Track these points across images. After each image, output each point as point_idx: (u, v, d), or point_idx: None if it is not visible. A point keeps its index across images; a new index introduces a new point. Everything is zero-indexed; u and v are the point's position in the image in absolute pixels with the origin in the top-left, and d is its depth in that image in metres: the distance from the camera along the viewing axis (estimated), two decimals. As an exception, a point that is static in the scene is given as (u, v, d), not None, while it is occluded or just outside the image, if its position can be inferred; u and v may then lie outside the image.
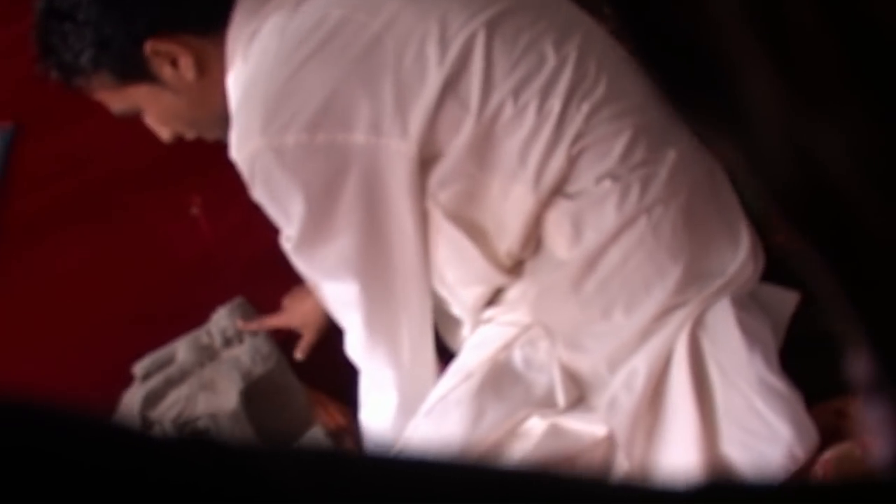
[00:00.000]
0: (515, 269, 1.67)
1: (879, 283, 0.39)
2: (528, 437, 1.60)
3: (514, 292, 1.67)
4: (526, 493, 0.42)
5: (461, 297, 1.68)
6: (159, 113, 1.68)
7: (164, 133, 1.71)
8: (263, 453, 0.40)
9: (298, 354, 1.99)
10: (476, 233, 1.62)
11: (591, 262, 1.59)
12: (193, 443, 0.40)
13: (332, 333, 1.84)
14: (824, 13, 0.35)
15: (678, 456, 1.56)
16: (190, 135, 1.72)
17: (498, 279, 1.66)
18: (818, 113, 0.36)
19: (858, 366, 0.41)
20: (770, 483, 0.62)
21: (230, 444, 0.41)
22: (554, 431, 1.60)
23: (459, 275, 1.65)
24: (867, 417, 0.43)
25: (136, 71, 1.62)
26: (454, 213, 1.60)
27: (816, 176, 0.37)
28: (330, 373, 1.89)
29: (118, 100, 1.67)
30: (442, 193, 1.58)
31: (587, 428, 1.61)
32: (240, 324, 2.01)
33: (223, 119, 1.61)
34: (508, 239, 1.62)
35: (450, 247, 1.62)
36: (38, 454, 0.36)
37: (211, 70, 1.62)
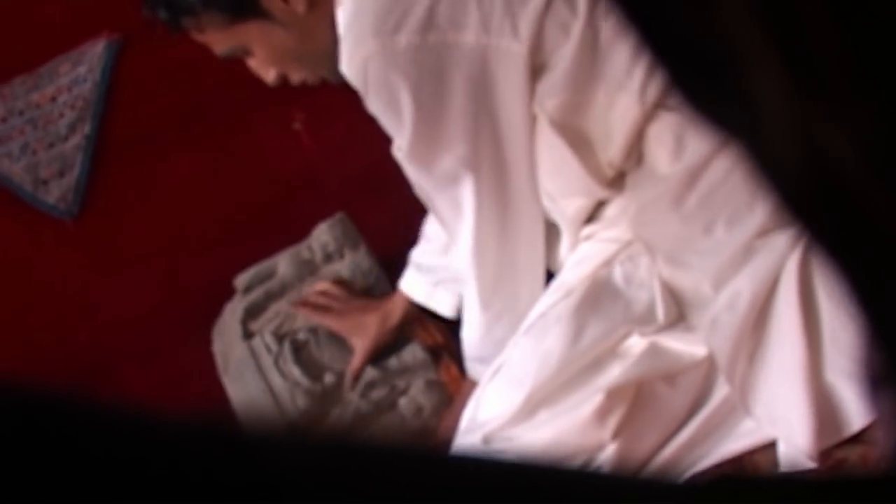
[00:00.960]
0: (616, 181, 1.65)
1: (888, 277, 0.39)
2: (628, 356, 1.58)
3: (614, 208, 1.66)
4: (533, 489, 0.42)
5: (562, 207, 1.66)
6: (267, 51, 1.66)
7: (270, 74, 1.69)
8: (273, 444, 0.40)
9: (350, 377, 1.90)
10: (580, 142, 1.61)
11: (693, 177, 1.57)
12: (206, 433, 0.39)
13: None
14: (833, 9, 0.35)
15: (780, 381, 1.52)
16: (296, 76, 1.70)
17: (598, 191, 1.64)
18: (827, 108, 0.36)
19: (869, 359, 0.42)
20: (772, 479, 0.63)
21: (242, 435, 0.41)
22: (653, 350, 1.58)
23: (559, 185, 1.64)
24: (876, 411, 0.43)
25: (246, 6, 1.61)
26: (560, 121, 1.58)
27: (825, 170, 0.37)
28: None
29: (225, 40, 1.65)
30: (548, 102, 1.57)
31: (687, 348, 1.59)
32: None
33: (331, 56, 1.60)
34: (611, 149, 1.61)
35: (550, 156, 1.61)
36: (47, 441, 0.36)
37: (320, 3, 1.61)
